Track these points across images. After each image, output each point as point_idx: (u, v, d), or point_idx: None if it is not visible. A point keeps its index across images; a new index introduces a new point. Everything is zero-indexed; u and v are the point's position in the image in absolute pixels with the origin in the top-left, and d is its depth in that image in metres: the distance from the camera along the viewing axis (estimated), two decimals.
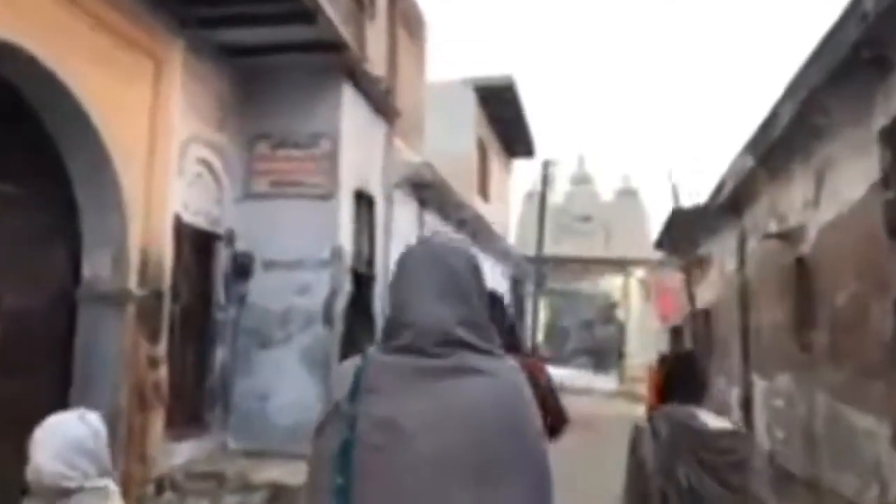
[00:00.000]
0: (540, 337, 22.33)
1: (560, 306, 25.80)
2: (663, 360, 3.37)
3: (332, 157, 6.92)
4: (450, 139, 13.68)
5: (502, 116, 16.13)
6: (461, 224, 12.40)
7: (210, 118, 6.50)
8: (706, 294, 11.73)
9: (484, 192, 15.61)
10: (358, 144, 7.49)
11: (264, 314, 6.81)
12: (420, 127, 10.45)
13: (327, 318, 6.78)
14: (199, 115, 6.25)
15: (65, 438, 1.94)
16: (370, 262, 8.12)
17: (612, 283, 24.65)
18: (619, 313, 24.94)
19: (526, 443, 1.36)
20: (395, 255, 9.04)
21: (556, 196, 22.63)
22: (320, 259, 6.84)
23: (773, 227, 7.43)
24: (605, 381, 23.55)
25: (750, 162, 7.98)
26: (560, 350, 28.58)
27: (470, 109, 14.52)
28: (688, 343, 15.78)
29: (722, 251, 10.71)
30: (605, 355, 24.90)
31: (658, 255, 18.59)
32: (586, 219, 24.16)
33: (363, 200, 7.81)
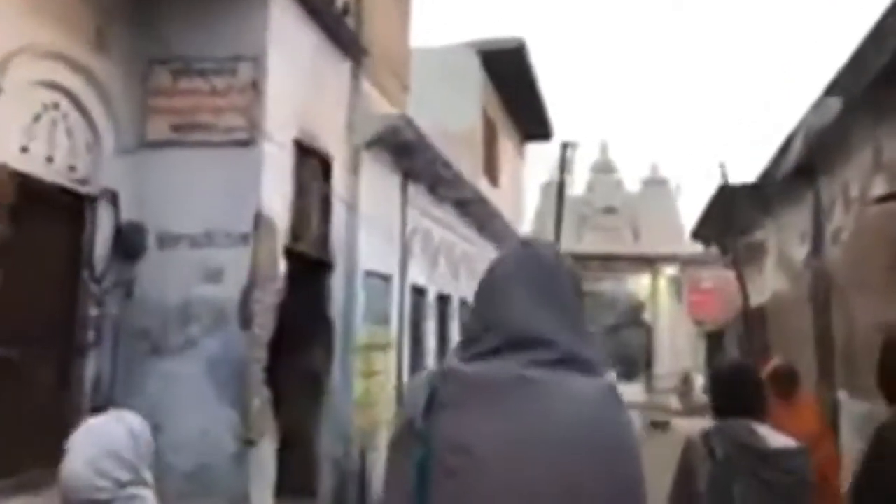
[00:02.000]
0: None
1: None
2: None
3: (255, 89, 4.92)
4: (451, 111, 11.69)
5: (513, 90, 14.03)
6: (461, 206, 10.34)
7: (77, 30, 4.52)
8: (759, 291, 9.61)
9: (492, 173, 13.52)
10: (299, 77, 5.50)
11: (158, 309, 4.84)
12: (403, 78, 8.42)
13: (245, 317, 4.78)
14: (54, 22, 4.27)
15: (100, 446, 1.84)
16: (324, 244, 6.11)
17: (638, 283, 22.47)
18: (647, 316, 22.74)
19: (622, 480, 1.15)
20: (363, 236, 7.01)
21: (577, 186, 20.54)
22: (237, 232, 4.86)
23: (879, 187, 5.31)
24: (632, 391, 21.38)
25: (837, 105, 5.90)
26: None
27: (474, 77, 12.48)
28: (731, 350, 13.73)
29: (784, 234, 8.60)
30: (631, 362, 22.79)
31: (691, 250, 16.54)
32: (610, 211, 22.09)
33: (311, 157, 5.80)
